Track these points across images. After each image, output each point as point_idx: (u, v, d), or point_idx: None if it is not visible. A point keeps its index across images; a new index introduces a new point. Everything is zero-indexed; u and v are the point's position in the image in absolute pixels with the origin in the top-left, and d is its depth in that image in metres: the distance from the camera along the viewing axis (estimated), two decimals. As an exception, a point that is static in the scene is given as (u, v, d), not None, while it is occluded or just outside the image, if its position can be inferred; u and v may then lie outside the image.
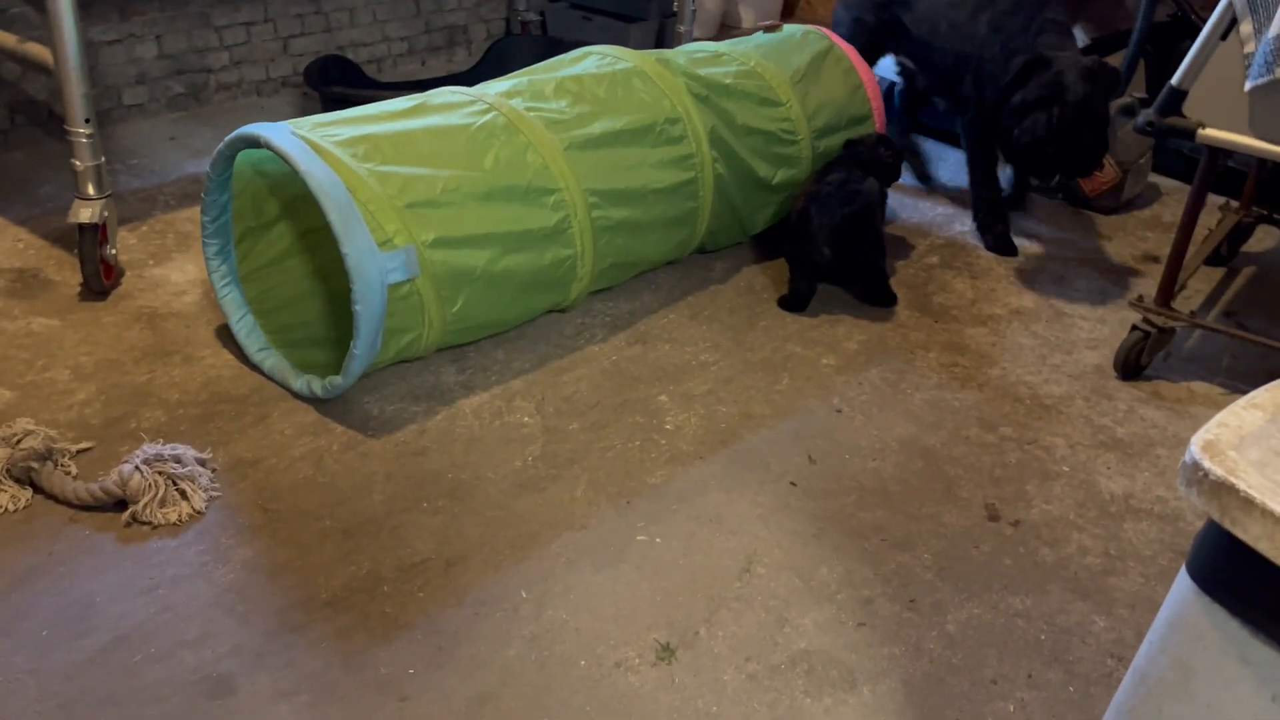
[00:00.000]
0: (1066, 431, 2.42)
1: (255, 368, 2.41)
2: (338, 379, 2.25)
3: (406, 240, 2.18)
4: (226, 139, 2.30)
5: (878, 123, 3.23)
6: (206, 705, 1.63)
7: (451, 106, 2.50)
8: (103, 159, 2.59)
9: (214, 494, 2.04)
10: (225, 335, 2.51)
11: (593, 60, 2.81)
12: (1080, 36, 4.17)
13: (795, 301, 2.82)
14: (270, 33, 3.93)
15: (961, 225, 3.38)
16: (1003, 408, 2.49)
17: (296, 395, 2.34)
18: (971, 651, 1.82)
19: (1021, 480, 2.25)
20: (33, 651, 1.69)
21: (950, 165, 3.84)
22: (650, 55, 2.86)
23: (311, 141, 2.21)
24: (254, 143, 2.25)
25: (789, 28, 3.32)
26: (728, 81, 2.89)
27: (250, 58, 3.91)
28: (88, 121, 2.53)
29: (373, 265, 2.11)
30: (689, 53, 3.01)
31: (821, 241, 2.72)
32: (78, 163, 2.55)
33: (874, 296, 2.87)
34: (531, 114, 2.52)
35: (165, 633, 1.74)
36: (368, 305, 2.12)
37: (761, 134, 2.92)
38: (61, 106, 2.52)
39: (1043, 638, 1.86)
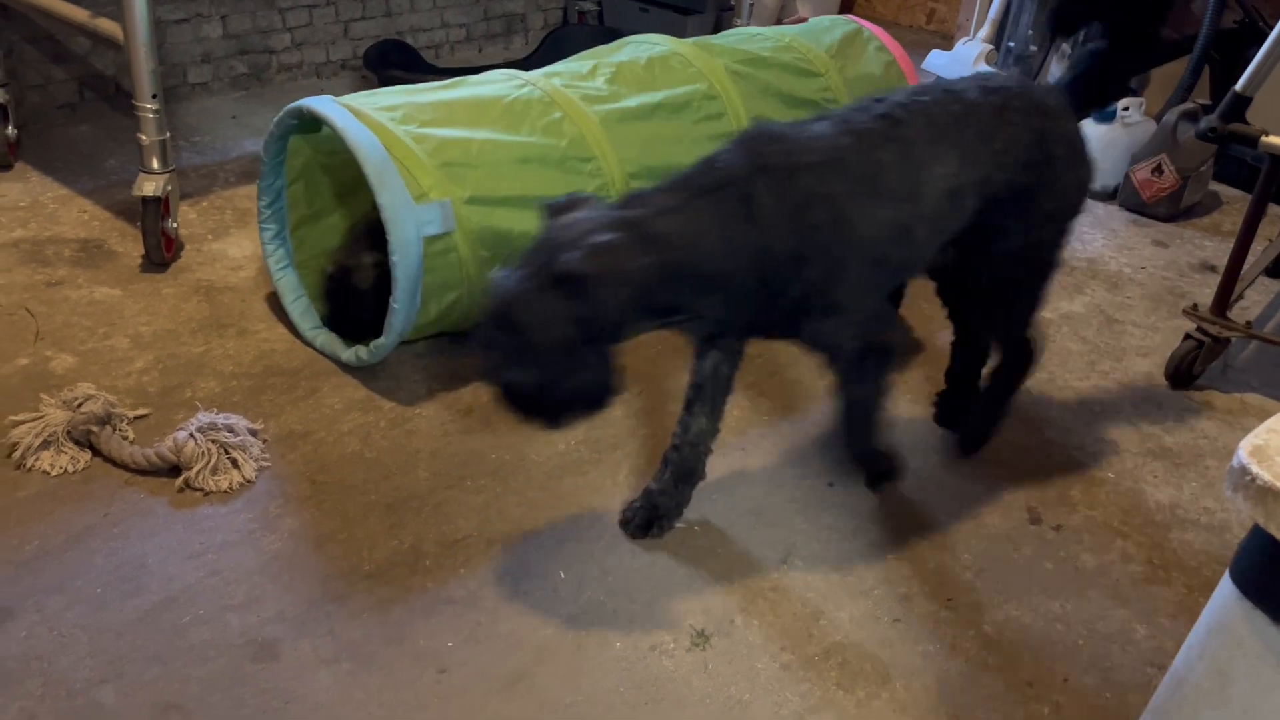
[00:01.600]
0: (1113, 438, 2.39)
1: (308, 344, 2.46)
2: (382, 340, 2.29)
3: (442, 195, 2.22)
4: (275, 120, 2.35)
5: None
6: (250, 668, 1.67)
7: (490, 82, 2.56)
8: (168, 134, 2.65)
9: (264, 464, 2.09)
10: (279, 310, 2.56)
11: (630, 47, 2.85)
12: (1144, 40, 4.11)
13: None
14: (332, 15, 3.99)
15: (1014, 227, 3.35)
16: (1049, 412, 2.47)
17: (345, 368, 2.39)
18: (1008, 653, 1.81)
19: (1065, 485, 2.23)
20: (86, 608, 1.75)
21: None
22: (687, 40, 2.90)
23: (351, 107, 2.26)
24: (300, 117, 2.32)
25: (816, 19, 3.32)
26: (765, 54, 2.93)
27: (312, 39, 3.97)
28: (155, 97, 2.59)
29: (409, 216, 2.15)
30: (725, 35, 3.05)
31: None
32: (144, 137, 2.61)
33: None
34: (569, 90, 2.57)
35: (212, 596, 1.79)
36: (405, 256, 2.15)
37: (805, 103, 2.93)
38: (129, 82, 2.58)
39: (1081, 643, 1.84)
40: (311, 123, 2.38)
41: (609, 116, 2.54)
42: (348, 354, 2.38)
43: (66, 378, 2.27)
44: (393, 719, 1.61)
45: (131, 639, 1.69)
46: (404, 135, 2.24)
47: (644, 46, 2.84)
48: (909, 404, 2.44)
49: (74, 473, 2.02)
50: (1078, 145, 1.99)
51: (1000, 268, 2.00)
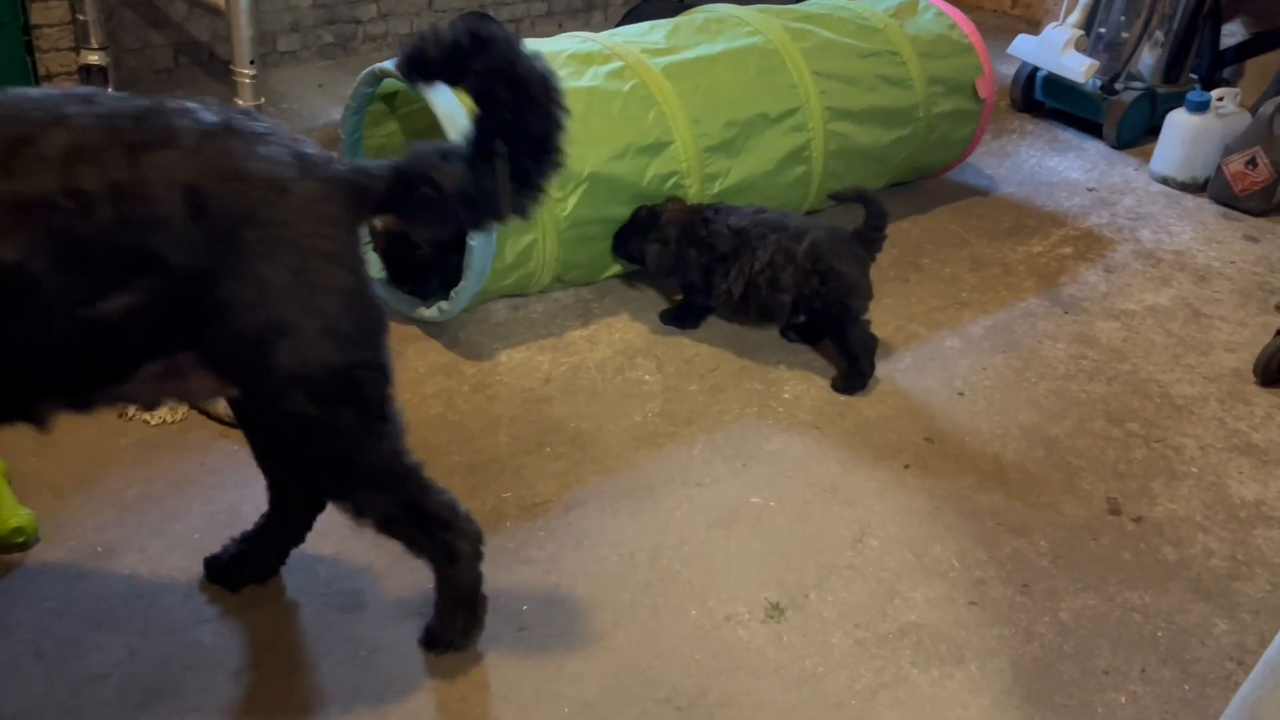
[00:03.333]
0: (1197, 433, 2.35)
1: (392, 309, 2.52)
2: (462, 284, 2.34)
3: None
4: (352, 91, 2.47)
5: (981, 56, 3.20)
6: (337, 617, 1.73)
7: (562, 40, 2.69)
8: (263, 100, 2.72)
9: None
10: (365, 275, 2.62)
11: (689, 15, 2.96)
12: (1239, 31, 3.99)
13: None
14: (418, -12, 4.04)
15: (1099, 218, 3.29)
16: (1131, 403, 2.43)
17: (427, 332, 2.44)
18: (1084, 641, 1.80)
19: (1146, 477, 2.20)
20: (185, 551, 1.82)
21: (1090, 156, 3.73)
22: (748, 7, 2.99)
23: None
24: (376, 83, 2.44)
25: None
26: (821, 14, 3.03)
27: (397, 11, 4.03)
28: (252, 63, 2.66)
29: None
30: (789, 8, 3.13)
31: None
32: (239, 101, 2.69)
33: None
34: (631, 45, 2.67)
35: (303, 547, 1.85)
36: None
37: (870, 54, 2.97)
38: (222, 49, 2.65)
39: (1160, 635, 1.83)
40: (391, 96, 2.44)
41: (670, 68, 2.63)
42: (430, 312, 2.43)
43: (164, 332, 2.35)
44: (475, 672, 1.65)
45: (228, 583, 1.76)
46: None
47: (702, 12, 2.96)
48: (1001, 396, 2.43)
49: (173, 423, 2.10)
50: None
51: None
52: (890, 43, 3.01)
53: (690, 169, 2.58)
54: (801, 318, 2.44)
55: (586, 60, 2.55)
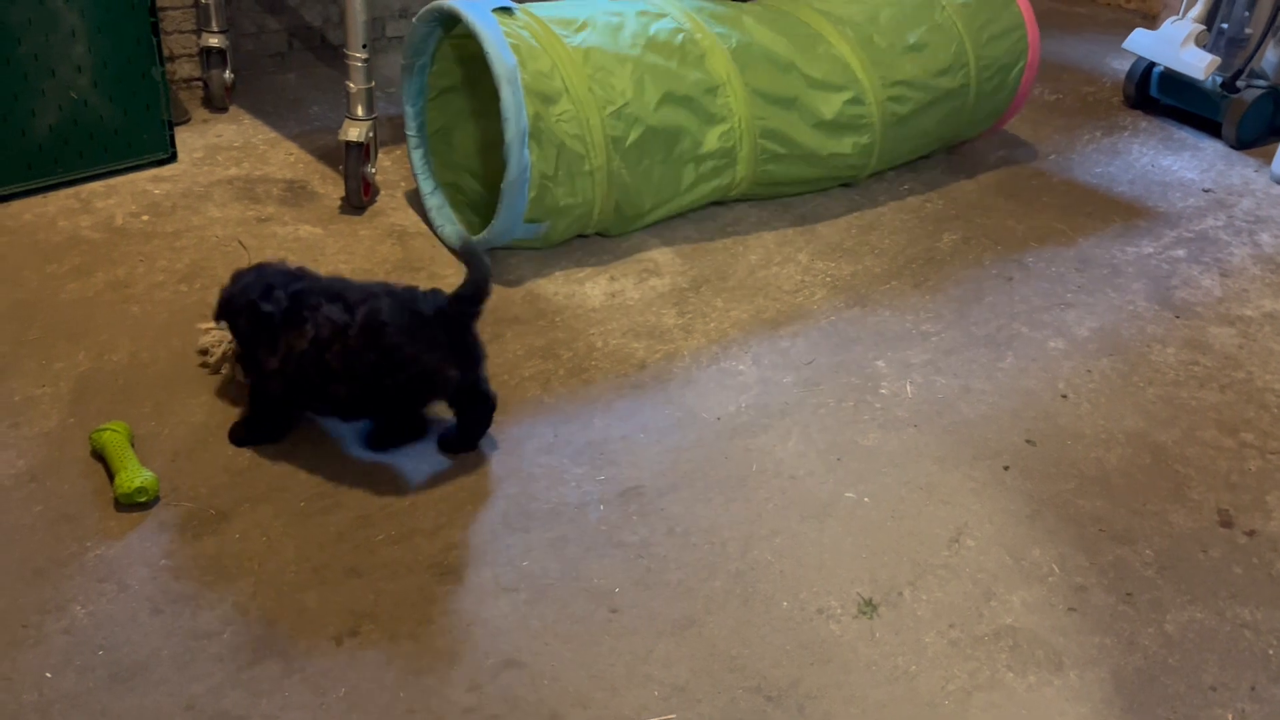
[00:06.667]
0: (1317, 446, 2.26)
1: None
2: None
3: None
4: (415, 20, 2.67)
5: (1028, 19, 3.27)
6: (436, 588, 1.77)
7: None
8: (373, 83, 2.78)
9: (451, 401, 2.18)
10: (467, 257, 2.67)
11: None
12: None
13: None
14: (523, -24, 4.08)
15: (1215, 219, 3.17)
16: (1246, 413, 2.34)
17: (525, 311, 2.47)
18: (1190, 654, 1.75)
19: (1261, 489, 2.12)
20: (292, 518, 1.88)
21: (1207, 155, 3.59)
22: None
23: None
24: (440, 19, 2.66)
25: None
26: None
27: (502, -1, 4.07)
28: (364, 47, 2.72)
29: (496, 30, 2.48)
30: None
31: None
32: (352, 85, 2.75)
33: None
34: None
35: (404, 519, 1.90)
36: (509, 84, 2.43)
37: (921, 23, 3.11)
38: (334, 34, 2.72)
39: (1271, 653, 1.76)
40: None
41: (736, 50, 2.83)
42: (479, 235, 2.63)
43: (275, 307, 2.43)
44: (567, 651, 1.68)
45: (332, 550, 1.82)
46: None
47: None
48: (1106, 400, 2.36)
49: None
50: None
51: None
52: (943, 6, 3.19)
53: (741, 132, 2.79)
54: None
55: (643, 12, 2.80)
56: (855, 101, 2.95)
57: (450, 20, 2.66)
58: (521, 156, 2.43)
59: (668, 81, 2.67)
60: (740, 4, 3.02)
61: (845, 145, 2.97)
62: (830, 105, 2.91)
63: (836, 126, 2.93)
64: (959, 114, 3.21)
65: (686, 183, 2.78)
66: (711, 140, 2.75)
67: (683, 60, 2.72)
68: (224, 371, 2.20)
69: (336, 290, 1.97)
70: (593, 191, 2.61)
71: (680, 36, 2.75)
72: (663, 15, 2.80)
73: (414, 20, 2.65)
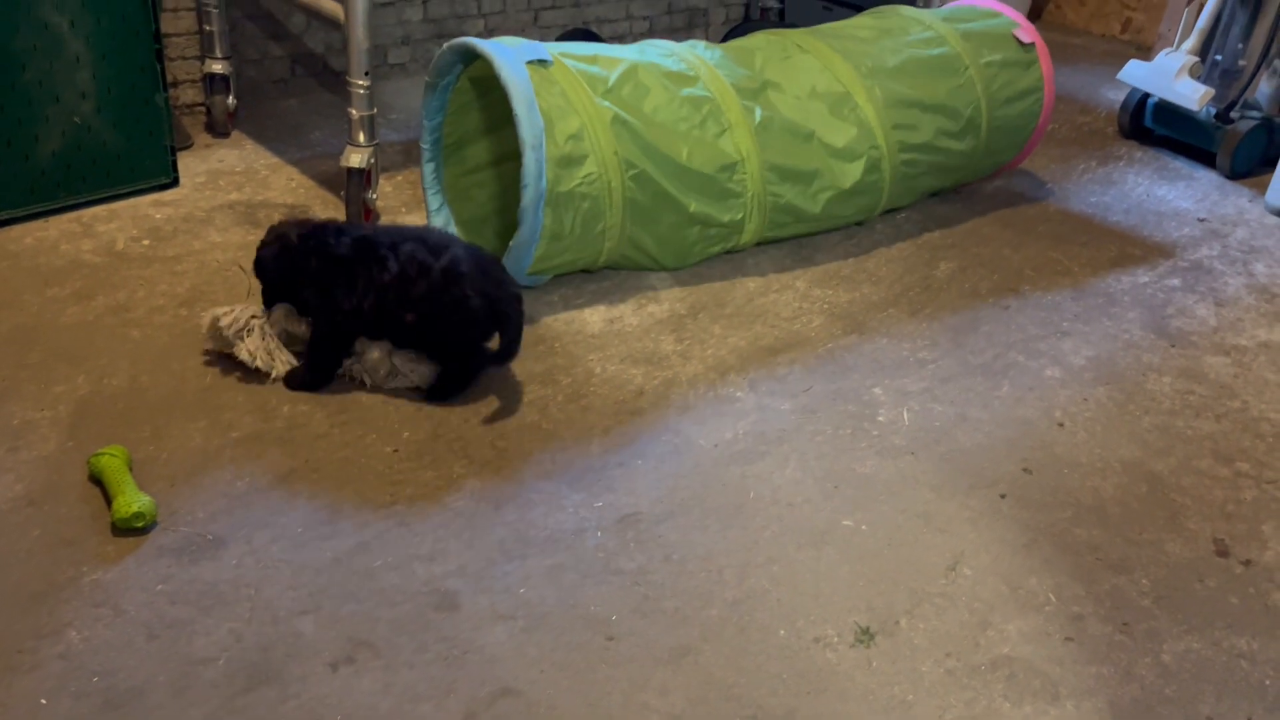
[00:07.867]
0: (1312, 476, 2.26)
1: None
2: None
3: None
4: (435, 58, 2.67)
5: (1047, 80, 3.29)
6: (433, 615, 1.77)
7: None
8: (375, 110, 2.80)
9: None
10: (466, 283, 2.68)
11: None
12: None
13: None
14: (524, 4, 4.12)
15: (1209, 249, 3.19)
16: (1241, 442, 2.35)
17: (524, 337, 2.48)
18: (1187, 685, 1.75)
19: (1256, 519, 2.13)
20: (288, 544, 1.88)
21: (1201, 185, 3.62)
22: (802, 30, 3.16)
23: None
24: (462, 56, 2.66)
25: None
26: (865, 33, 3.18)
27: (504, 26, 4.11)
28: (366, 74, 2.74)
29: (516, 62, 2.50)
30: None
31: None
32: (354, 111, 2.77)
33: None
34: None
35: (401, 545, 1.90)
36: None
37: (925, 42, 3.13)
38: (336, 61, 2.74)
39: (1268, 683, 1.76)
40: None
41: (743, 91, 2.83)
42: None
43: (274, 332, 2.43)
44: (563, 679, 1.67)
45: (329, 576, 1.82)
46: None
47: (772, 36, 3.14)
48: (1102, 429, 2.37)
49: (278, 420, 2.17)
50: None
51: None
52: (914, 17, 3.23)
53: (749, 156, 2.79)
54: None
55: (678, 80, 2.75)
56: (873, 169, 2.94)
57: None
58: (535, 220, 2.45)
59: (687, 152, 2.67)
60: (770, 49, 2.97)
61: (850, 209, 2.99)
62: (849, 175, 2.90)
63: (853, 194, 2.94)
64: (961, 171, 3.23)
65: (690, 241, 2.78)
66: (722, 214, 2.76)
67: (703, 131, 2.70)
68: (240, 345, 2.24)
69: (395, 235, 2.26)
70: (600, 246, 2.62)
71: (706, 108, 2.72)
72: (694, 79, 2.76)
73: (444, 46, 2.63)
